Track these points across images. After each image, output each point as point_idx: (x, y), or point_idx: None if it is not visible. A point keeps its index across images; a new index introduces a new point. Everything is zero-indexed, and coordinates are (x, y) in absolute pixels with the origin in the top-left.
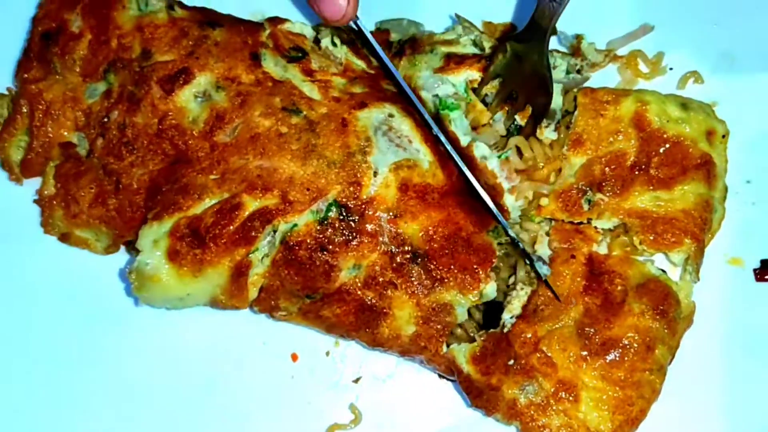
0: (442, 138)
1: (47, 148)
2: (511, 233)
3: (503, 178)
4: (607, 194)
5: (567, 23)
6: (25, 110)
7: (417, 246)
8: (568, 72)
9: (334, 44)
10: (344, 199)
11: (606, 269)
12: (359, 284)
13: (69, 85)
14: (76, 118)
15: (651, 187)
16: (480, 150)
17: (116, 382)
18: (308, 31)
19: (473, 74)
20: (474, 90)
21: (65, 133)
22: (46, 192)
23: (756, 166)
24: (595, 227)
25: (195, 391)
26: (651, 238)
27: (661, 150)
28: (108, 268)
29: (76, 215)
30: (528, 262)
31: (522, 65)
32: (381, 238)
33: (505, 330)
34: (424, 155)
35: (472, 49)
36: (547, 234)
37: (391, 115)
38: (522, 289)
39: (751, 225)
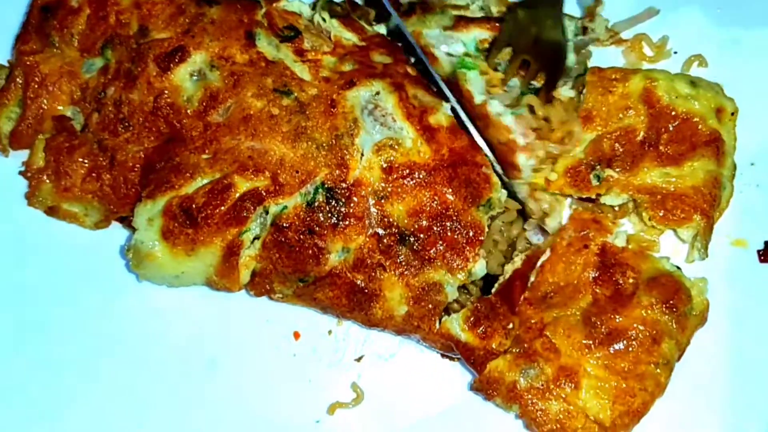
0: (451, 98)
1: (39, 121)
2: (518, 191)
3: (518, 134)
4: (617, 170)
5: (573, 6)
6: (19, 81)
7: (404, 227)
8: (575, 34)
9: (323, 20)
10: (331, 182)
11: (619, 261)
12: (349, 267)
13: (66, 59)
14: (72, 92)
15: (660, 164)
16: (494, 107)
17: (117, 357)
18: (305, 9)
19: (483, 34)
20: (486, 54)
21: (60, 107)
22: (34, 165)
23: (760, 148)
24: (612, 219)
25: (197, 368)
26: (660, 213)
27: (671, 126)
28: (104, 243)
29: (67, 189)
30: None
31: (533, 32)
32: (368, 221)
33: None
34: (407, 132)
35: (481, 14)
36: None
37: (377, 93)
38: (517, 256)
39: (755, 207)
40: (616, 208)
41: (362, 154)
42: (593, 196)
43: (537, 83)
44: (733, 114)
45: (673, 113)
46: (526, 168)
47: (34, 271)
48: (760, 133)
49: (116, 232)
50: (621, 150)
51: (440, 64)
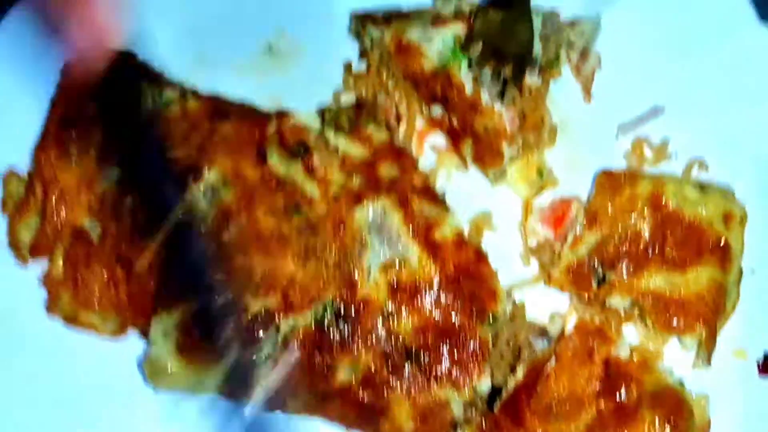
0: None
1: (58, 231)
2: None
3: (508, 120)
4: (621, 273)
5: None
6: (38, 191)
7: (411, 345)
8: (544, 24)
9: (327, 137)
10: (340, 301)
11: (624, 373)
12: (357, 384)
13: (84, 170)
14: (90, 202)
15: (665, 269)
16: (485, 95)
17: None
18: (315, 121)
19: (459, 28)
20: (462, 48)
21: (78, 217)
22: (53, 274)
23: (761, 255)
24: (616, 328)
25: None
26: (663, 320)
27: (677, 231)
28: (122, 352)
29: (85, 299)
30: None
31: (503, 26)
32: (376, 339)
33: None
34: (412, 251)
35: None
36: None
37: (384, 210)
38: (519, 366)
39: (756, 316)
40: (622, 313)
41: (369, 273)
42: (591, 298)
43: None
44: (741, 220)
45: (680, 218)
46: (507, 156)
47: (52, 379)
48: (760, 240)
49: (134, 341)
50: (625, 253)
51: (428, 59)
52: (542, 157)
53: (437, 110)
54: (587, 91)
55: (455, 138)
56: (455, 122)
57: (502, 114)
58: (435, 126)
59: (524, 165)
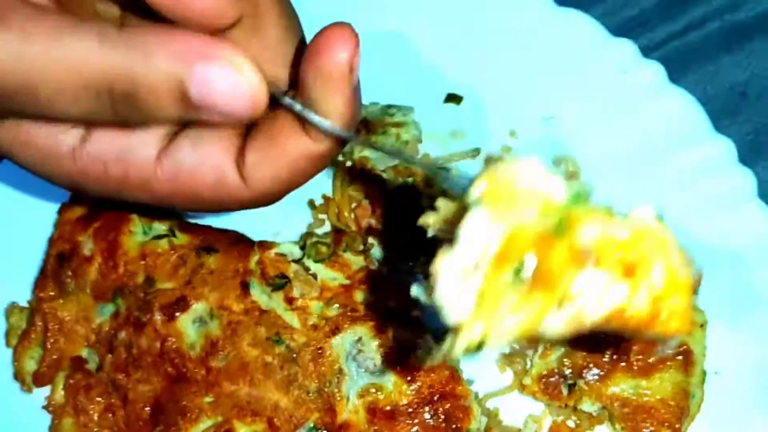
0: None
1: (59, 361)
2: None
3: None
4: (590, 380)
5: None
6: (39, 325)
7: None
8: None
9: (308, 268)
10: (321, 426)
11: None
12: None
13: (81, 304)
14: (87, 335)
15: (630, 375)
16: None
17: None
18: (295, 250)
19: None
20: None
21: (77, 349)
22: (55, 400)
23: (726, 358)
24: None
25: None
26: (632, 425)
27: (639, 340)
28: None
29: (86, 425)
30: None
31: None
32: None
33: None
34: (388, 376)
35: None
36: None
37: (359, 339)
38: None
39: (722, 415)
40: (594, 413)
41: (348, 399)
42: (563, 406)
43: None
44: (702, 326)
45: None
46: None
47: None
48: (724, 343)
49: None
50: (592, 362)
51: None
52: None
53: None
54: None
55: None
56: None
57: None
58: None
59: None
